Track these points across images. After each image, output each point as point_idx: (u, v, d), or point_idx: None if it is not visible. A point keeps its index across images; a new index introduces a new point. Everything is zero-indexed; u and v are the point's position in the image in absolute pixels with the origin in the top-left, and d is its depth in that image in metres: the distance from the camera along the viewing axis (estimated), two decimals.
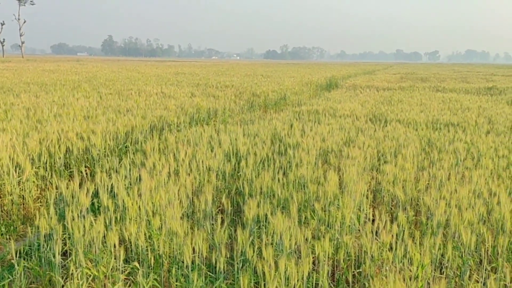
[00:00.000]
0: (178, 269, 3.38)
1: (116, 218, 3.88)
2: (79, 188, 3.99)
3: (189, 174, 5.18)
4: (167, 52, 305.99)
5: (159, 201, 4.04)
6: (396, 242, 3.29)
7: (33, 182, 5.14)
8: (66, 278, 3.33)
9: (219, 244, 3.36)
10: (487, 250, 3.54)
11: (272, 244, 3.44)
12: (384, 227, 3.50)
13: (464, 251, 3.42)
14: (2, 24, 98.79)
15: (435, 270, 3.41)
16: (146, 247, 3.49)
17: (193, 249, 3.26)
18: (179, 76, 25.62)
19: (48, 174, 5.58)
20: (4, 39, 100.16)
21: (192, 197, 4.55)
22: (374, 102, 13.17)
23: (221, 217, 4.27)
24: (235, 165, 5.75)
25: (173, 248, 3.46)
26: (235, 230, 3.56)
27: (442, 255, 3.48)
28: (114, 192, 4.24)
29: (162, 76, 25.73)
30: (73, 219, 3.49)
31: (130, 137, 7.46)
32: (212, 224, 4.05)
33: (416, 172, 5.36)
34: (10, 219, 4.61)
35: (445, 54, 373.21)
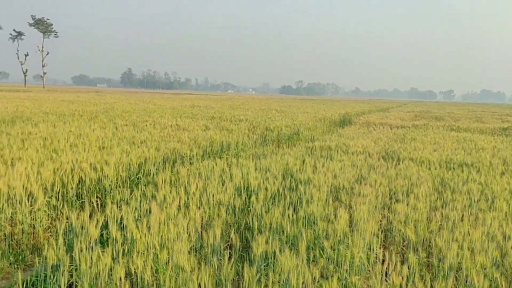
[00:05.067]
0: None
1: (123, 250, 3.87)
2: (89, 219, 4.02)
3: (199, 207, 5.18)
4: (184, 85, 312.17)
5: (168, 235, 4.04)
6: (407, 285, 3.21)
7: (45, 211, 5.19)
8: None
9: (225, 281, 3.33)
10: None
11: (279, 282, 3.39)
12: (394, 268, 3.42)
13: None
14: (26, 55, 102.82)
15: None
16: (152, 281, 3.47)
17: (199, 285, 3.23)
18: (195, 109, 26.02)
19: (60, 204, 5.64)
20: (26, 70, 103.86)
21: (201, 231, 4.53)
22: (387, 139, 13.14)
23: (229, 253, 4.23)
24: (245, 199, 5.73)
25: (179, 283, 3.42)
26: (243, 267, 3.52)
27: None
28: (123, 224, 4.25)
29: (177, 108, 26.16)
30: (81, 251, 3.50)
31: (143, 169, 7.53)
32: (220, 259, 4.01)
33: (429, 212, 5.28)
34: (19, 248, 4.64)
35: (460, 94, 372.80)
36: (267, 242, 3.93)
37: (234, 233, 4.31)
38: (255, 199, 5.33)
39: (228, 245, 4.74)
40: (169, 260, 3.62)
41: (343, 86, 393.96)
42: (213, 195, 5.39)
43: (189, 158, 9.12)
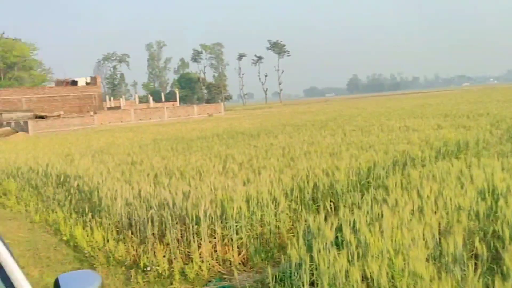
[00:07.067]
0: None
1: (358, 253, 3.94)
2: (325, 221, 4.26)
3: (435, 212, 4.82)
4: (411, 84, 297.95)
5: (402, 240, 3.91)
6: None
7: (287, 214, 5.77)
8: None
9: None
10: None
11: None
12: None
13: None
14: (266, 76, 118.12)
15: None
16: (389, 287, 3.41)
17: None
18: (424, 108, 24.51)
19: (299, 207, 6.16)
20: (267, 89, 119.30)
21: (439, 238, 4.21)
22: None
23: (474, 263, 3.79)
24: (491, 204, 5.04)
25: None
26: (493, 280, 3.10)
27: None
28: (356, 228, 4.33)
29: (405, 109, 25.17)
30: (319, 251, 3.74)
31: (372, 173, 7.52)
32: (464, 270, 3.63)
33: None
34: (268, 247, 5.28)
35: None
36: None
37: (480, 241, 3.84)
38: (503, 204, 4.62)
39: (472, 254, 4.25)
40: (405, 266, 3.49)
41: None
42: (450, 199, 4.94)
43: (421, 160, 8.61)
